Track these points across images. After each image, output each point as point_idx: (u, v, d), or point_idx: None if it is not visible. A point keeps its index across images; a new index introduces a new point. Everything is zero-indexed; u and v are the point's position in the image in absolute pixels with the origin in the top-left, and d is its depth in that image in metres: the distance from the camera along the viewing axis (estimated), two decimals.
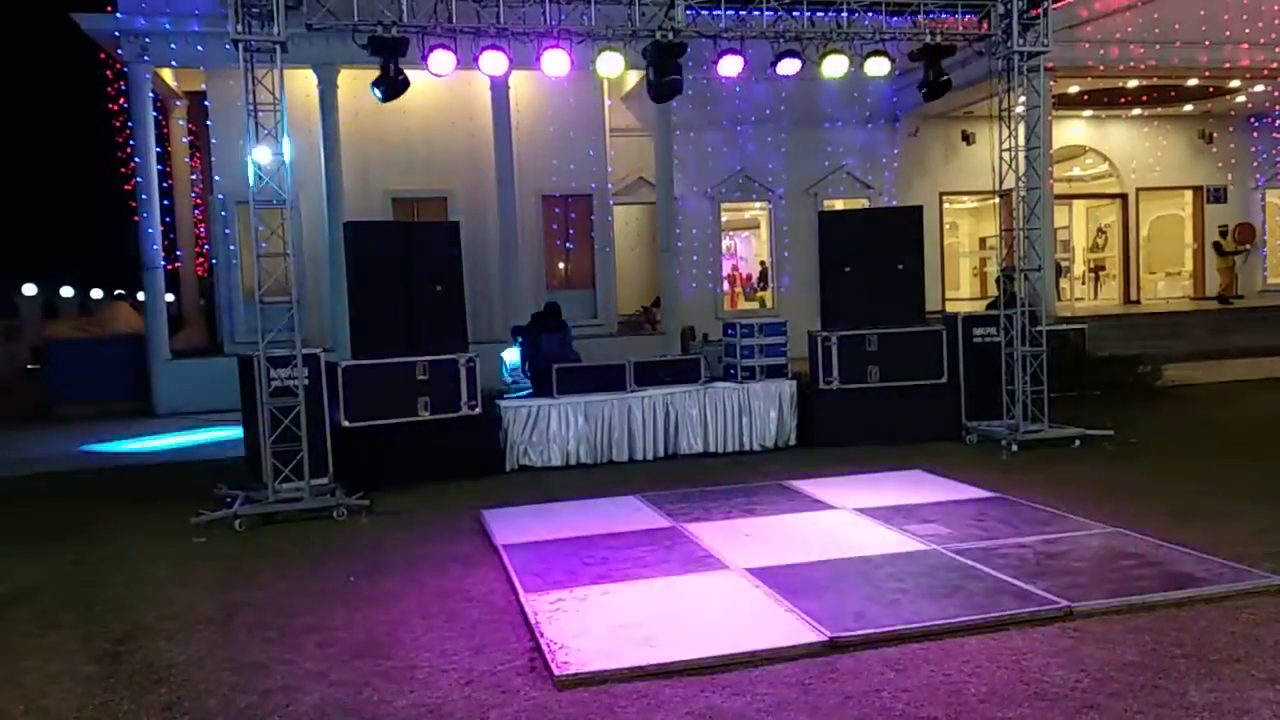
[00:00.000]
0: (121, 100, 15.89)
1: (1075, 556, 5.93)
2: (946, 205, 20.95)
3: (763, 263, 20.89)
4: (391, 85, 9.07)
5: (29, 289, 34.19)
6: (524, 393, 10.32)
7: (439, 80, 12.23)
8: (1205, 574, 5.42)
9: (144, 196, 15.26)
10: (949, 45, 10.16)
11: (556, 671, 4.40)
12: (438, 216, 16.43)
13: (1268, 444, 9.60)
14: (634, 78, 16.64)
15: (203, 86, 16.66)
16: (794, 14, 9.83)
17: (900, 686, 4.18)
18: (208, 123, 16.59)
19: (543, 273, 17.63)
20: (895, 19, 10.16)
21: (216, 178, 16.31)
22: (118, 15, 14.89)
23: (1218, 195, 21.42)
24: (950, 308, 18.47)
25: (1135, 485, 7.93)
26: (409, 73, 9.23)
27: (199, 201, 19.39)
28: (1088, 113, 20.14)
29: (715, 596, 5.47)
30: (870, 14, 9.98)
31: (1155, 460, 8.93)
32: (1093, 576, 5.51)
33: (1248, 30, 16.95)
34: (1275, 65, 17.26)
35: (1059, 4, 14.86)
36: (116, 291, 38.92)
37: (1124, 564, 5.71)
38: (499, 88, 15.88)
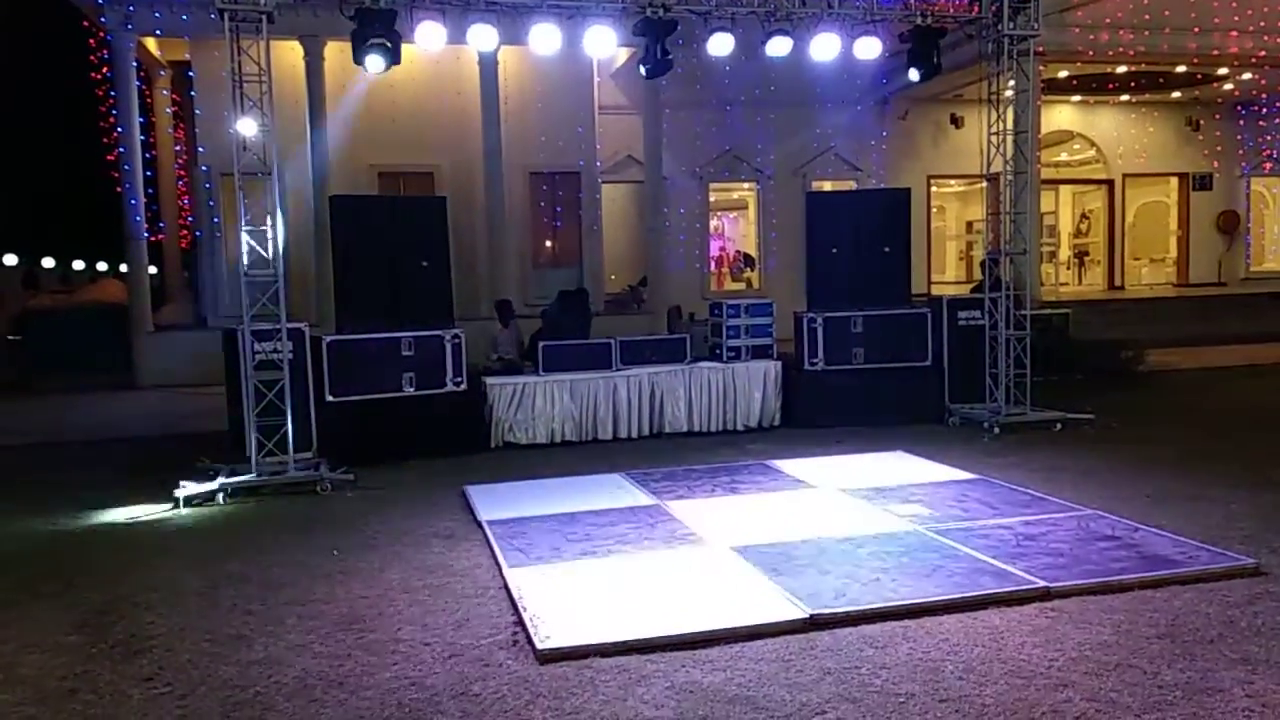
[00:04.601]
0: (104, 69, 15.69)
1: (1054, 538, 5.99)
2: (934, 188, 20.99)
3: (746, 254, 20.89)
4: (379, 56, 8.97)
5: (9, 259, 33.88)
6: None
7: (427, 54, 12.13)
8: (1181, 556, 5.49)
9: (127, 167, 15.11)
10: (940, 27, 10.14)
11: (538, 645, 4.42)
12: (424, 191, 16.33)
13: (1246, 429, 9.70)
14: (624, 55, 16.58)
15: (187, 56, 16.46)
16: None
17: (879, 663, 4.23)
18: (192, 93, 16.41)
19: (529, 249, 17.57)
20: (887, 0, 10.12)
21: (200, 149, 16.15)
22: None
23: (1203, 182, 21.53)
24: (936, 291, 18.53)
25: (1115, 469, 8.00)
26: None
27: (182, 173, 19.20)
28: (1076, 98, 20.16)
29: (697, 573, 5.50)
30: None
31: (1135, 444, 9.00)
32: (1071, 557, 5.57)
33: (1236, 18, 17.00)
34: (1263, 53, 17.32)
35: None
36: (99, 265, 38.60)
37: (1102, 545, 5.77)
38: (487, 62, 15.76)
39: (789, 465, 8.32)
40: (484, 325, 12.11)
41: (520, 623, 4.76)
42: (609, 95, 17.85)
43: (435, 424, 9.28)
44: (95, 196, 19.84)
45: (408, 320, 9.29)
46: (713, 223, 20.55)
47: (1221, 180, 21.57)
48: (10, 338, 18.42)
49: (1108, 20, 16.58)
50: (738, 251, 21.66)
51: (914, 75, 10.34)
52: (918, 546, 5.87)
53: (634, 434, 10.10)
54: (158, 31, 15.60)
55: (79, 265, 40.66)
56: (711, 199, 19.74)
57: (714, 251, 20.72)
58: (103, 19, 14.94)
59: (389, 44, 8.85)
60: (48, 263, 38.35)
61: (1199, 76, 18.62)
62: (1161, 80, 18.81)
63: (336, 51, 14.79)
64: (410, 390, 9.23)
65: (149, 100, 18.01)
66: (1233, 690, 3.90)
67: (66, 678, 4.34)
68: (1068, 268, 23.43)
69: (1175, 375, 13.29)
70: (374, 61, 8.86)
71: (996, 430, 9.68)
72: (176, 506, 7.41)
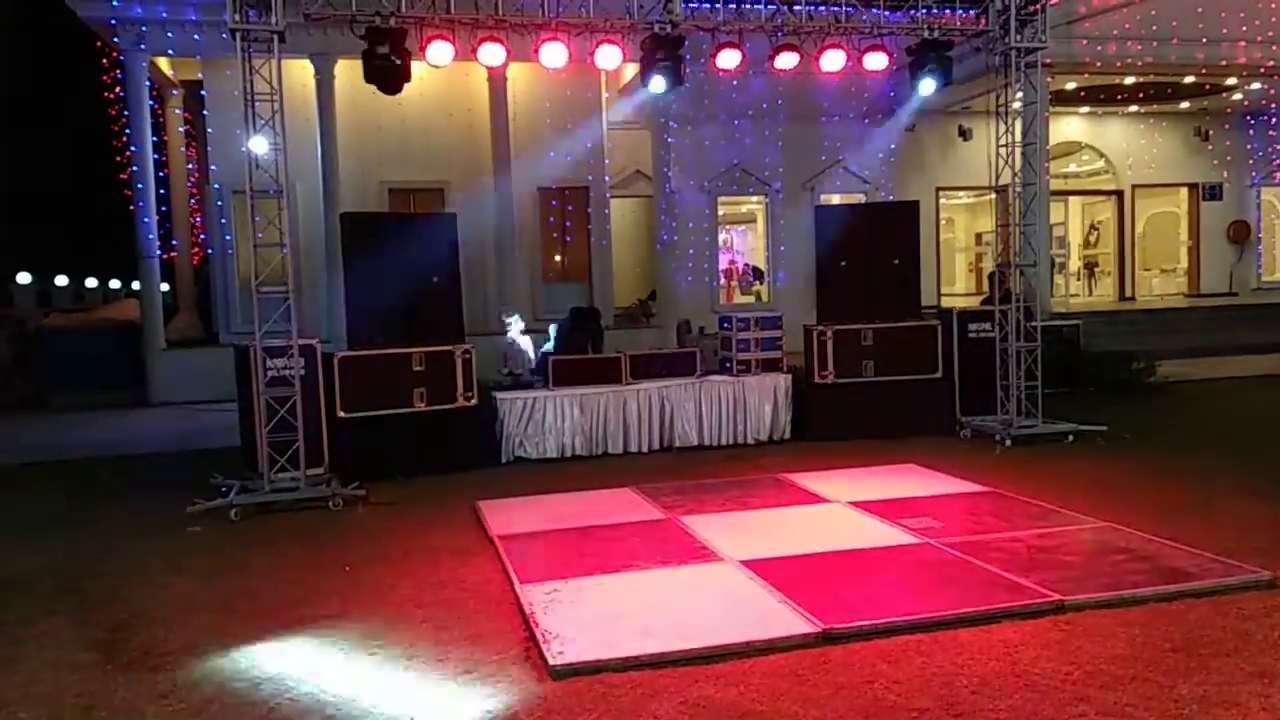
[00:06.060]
0: (117, 89, 15.82)
1: (1067, 550, 5.97)
2: (943, 200, 20.96)
3: (755, 267, 20.92)
4: (388, 77, 9.03)
5: (23, 277, 34.11)
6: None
7: (436, 71, 12.19)
8: (1195, 569, 5.46)
9: (140, 186, 15.21)
10: (947, 40, 10.16)
11: (551, 661, 4.42)
12: (434, 208, 16.40)
13: (1259, 440, 9.65)
14: (632, 70, 16.64)
15: (199, 76, 16.59)
16: (792, 8, 9.85)
17: (892, 678, 4.21)
18: (204, 112, 16.52)
19: (539, 265, 17.61)
20: (893, 14, 10.17)
21: (213, 167, 16.25)
22: (114, 3, 14.77)
23: (1214, 192, 21.47)
24: (946, 303, 18.49)
25: (1128, 480, 7.96)
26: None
27: (195, 191, 19.31)
28: (1084, 109, 20.15)
29: (710, 588, 5.49)
30: (869, 9, 9.99)
31: (1148, 456, 8.97)
32: (1084, 570, 5.55)
33: (1244, 28, 16.97)
34: (1271, 63, 17.29)
35: (1056, 0, 14.90)
36: (113, 283, 38.79)
37: (1115, 558, 5.74)
38: (496, 79, 15.85)
39: (800, 479, 8.30)
40: (494, 340, 12.14)
41: (533, 638, 4.76)
42: (617, 110, 17.91)
43: (446, 439, 9.30)
44: (108, 215, 19.97)
45: (418, 336, 9.33)
46: (721, 236, 20.57)
47: (1231, 190, 21.49)
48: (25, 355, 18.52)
49: (1115, 32, 16.57)
50: (746, 265, 21.68)
51: (923, 90, 10.35)
52: (930, 560, 5.86)
53: (644, 448, 10.10)
54: (170, 51, 15.73)
55: (92, 283, 40.93)
56: (720, 213, 19.75)
57: (723, 265, 20.73)
58: (115, 39, 15.08)
59: (399, 61, 8.92)
60: (61, 281, 38.63)
61: (1207, 87, 18.58)
62: (1170, 91, 18.78)
63: (347, 69, 14.90)
64: (421, 406, 9.26)
65: (161, 119, 18.12)
66: (1249, 704, 3.88)
67: (82, 695, 4.36)
68: (1078, 279, 23.35)
69: (1187, 386, 13.24)
70: (386, 79, 8.93)
71: (1008, 442, 9.65)
72: (189, 523, 7.44)
